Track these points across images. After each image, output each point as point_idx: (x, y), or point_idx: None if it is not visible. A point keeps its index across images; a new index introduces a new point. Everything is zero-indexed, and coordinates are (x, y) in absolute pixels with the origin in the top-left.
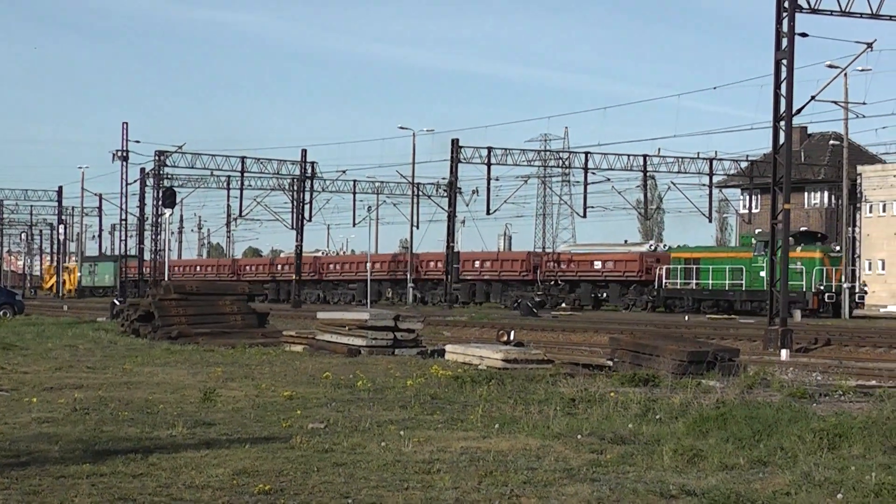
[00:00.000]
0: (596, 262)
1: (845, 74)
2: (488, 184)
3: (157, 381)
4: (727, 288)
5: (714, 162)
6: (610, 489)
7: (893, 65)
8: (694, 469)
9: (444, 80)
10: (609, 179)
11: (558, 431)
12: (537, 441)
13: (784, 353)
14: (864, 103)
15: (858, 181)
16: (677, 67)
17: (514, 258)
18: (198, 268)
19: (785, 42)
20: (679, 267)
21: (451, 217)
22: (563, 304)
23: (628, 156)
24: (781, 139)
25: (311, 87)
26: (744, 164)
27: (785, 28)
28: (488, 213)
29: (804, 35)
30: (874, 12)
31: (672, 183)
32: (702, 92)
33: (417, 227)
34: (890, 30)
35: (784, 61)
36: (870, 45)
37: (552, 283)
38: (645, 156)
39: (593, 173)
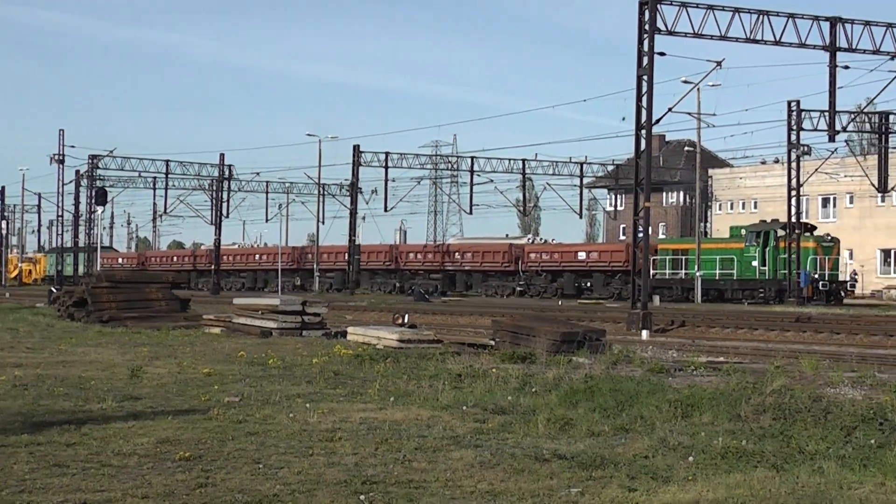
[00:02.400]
0: (580, 253)
1: (698, 89)
2: (385, 184)
3: (90, 359)
4: (717, 277)
5: (584, 165)
6: (491, 454)
7: (740, 80)
8: (565, 436)
9: (349, 92)
10: (492, 181)
11: (446, 403)
12: (428, 412)
13: (645, 334)
14: (714, 114)
15: (710, 183)
16: (552, 82)
17: (496, 249)
18: (165, 258)
19: (646, 60)
20: (667, 258)
21: (353, 214)
22: (454, 290)
23: (509, 160)
24: (643, 146)
25: (230, 97)
26: (610, 168)
27: (646, 48)
28: (386, 210)
29: (662, 54)
30: (723, 34)
31: (547, 184)
32: (574, 104)
33: (323, 223)
34: (736, 50)
35: (645, 77)
36: (719, 64)
37: (534, 273)
38: (524, 160)
39: (478, 175)
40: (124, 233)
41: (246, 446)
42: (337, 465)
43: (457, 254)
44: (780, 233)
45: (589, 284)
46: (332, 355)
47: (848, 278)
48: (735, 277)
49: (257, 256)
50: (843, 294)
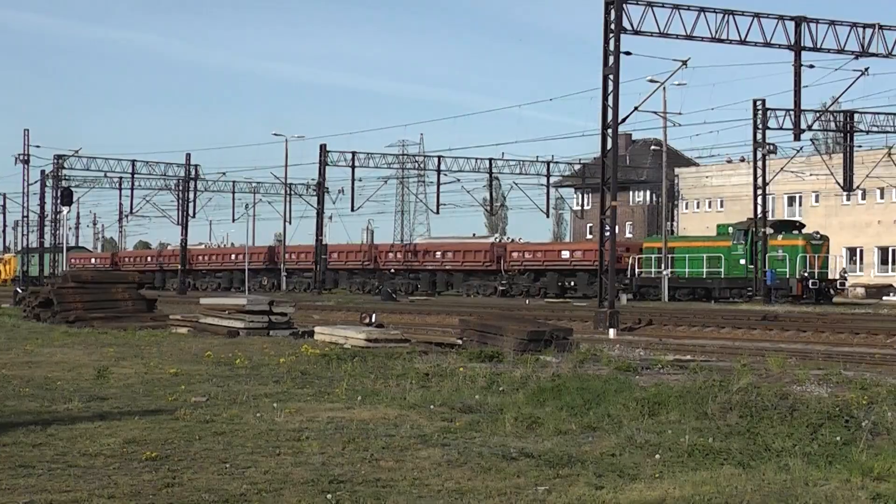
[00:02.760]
0: (564, 252)
1: (664, 88)
2: (352, 184)
3: (56, 360)
4: (705, 276)
5: (551, 165)
6: (458, 452)
7: (705, 79)
8: (532, 434)
9: (315, 91)
10: (459, 180)
11: (414, 402)
12: (395, 411)
13: (612, 332)
14: (680, 113)
15: (676, 182)
16: (519, 81)
17: (478, 248)
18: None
19: (612, 59)
20: (653, 256)
21: (320, 214)
22: (421, 290)
23: (476, 159)
24: (609, 145)
25: (197, 97)
26: (577, 167)
27: (612, 47)
28: (352, 209)
29: (628, 53)
30: (688, 34)
31: (514, 183)
32: (540, 103)
33: (290, 223)
34: (702, 49)
35: (611, 76)
36: (685, 63)
37: (517, 272)
38: (490, 159)
39: (445, 174)
40: (90, 233)
41: (213, 446)
42: (304, 465)
43: (437, 253)
44: (769, 231)
45: (573, 283)
46: (299, 355)
47: (838, 277)
48: (723, 276)
49: (233, 256)
50: (832, 293)
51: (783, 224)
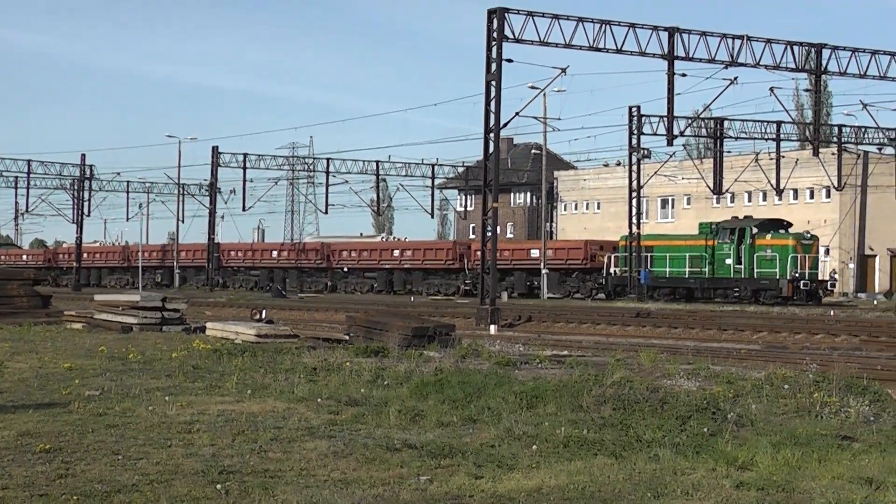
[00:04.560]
0: (533, 251)
1: (544, 94)
2: (244, 184)
3: None
4: (687, 275)
5: (435, 167)
6: (344, 444)
7: (584, 86)
8: (415, 426)
9: (207, 94)
10: (347, 182)
11: (302, 396)
12: (284, 404)
13: (493, 328)
14: (559, 119)
15: (555, 184)
16: (405, 86)
17: (440, 247)
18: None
19: (494, 66)
20: (629, 255)
21: (212, 213)
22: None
23: (363, 161)
24: (491, 148)
25: (92, 98)
26: (460, 169)
27: (494, 55)
28: (244, 209)
29: (510, 61)
30: (567, 42)
31: (400, 185)
32: (425, 107)
33: (183, 222)
34: (581, 57)
35: (493, 83)
36: (564, 70)
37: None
38: (377, 162)
39: (334, 176)
40: None
41: (106, 438)
42: (195, 456)
43: (395, 251)
44: (756, 230)
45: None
46: (191, 350)
47: (828, 277)
48: (707, 276)
49: (186, 253)
50: (821, 294)
51: (771, 223)
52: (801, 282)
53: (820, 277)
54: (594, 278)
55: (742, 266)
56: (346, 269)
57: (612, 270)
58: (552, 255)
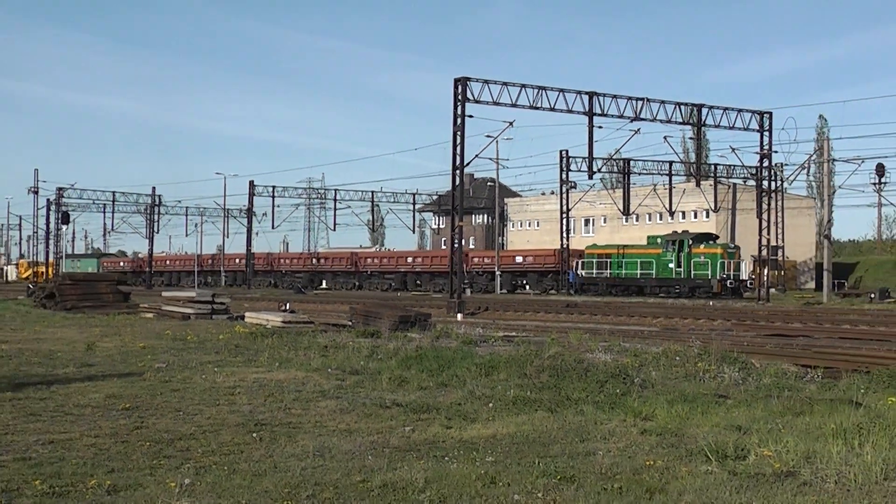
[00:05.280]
0: (517, 257)
1: (497, 141)
2: (273, 209)
3: (57, 337)
4: (639, 276)
5: (416, 196)
6: (348, 403)
7: (526, 135)
8: (402, 390)
9: (245, 142)
10: (350, 206)
11: (316, 367)
12: (303, 373)
13: (459, 316)
14: (508, 159)
15: (505, 208)
16: (393, 135)
17: (444, 255)
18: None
19: (459, 120)
20: (593, 260)
21: (249, 231)
22: (324, 284)
23: (362, 191)
24: (457, 181)
25: (161, 146)
26: (435, 197)
27: (459, 112)
28: (273, 228)
29: (471, 116)
30: (513, 103)
31: (390, 209)
32: (408, 151)
33: (228, 237)
34: (525, 113)
35: (458, 133)
36: (511, 123)
37: (476, 273)
38: (373, 191)
39: (339, 202)
40: (83, 245)
41: (170, 399)
42: (236, 412)
43: (409, 258)
44: (692, 241)
45: (525, 282)
46: (233, 333)
47: (748, 278)
48: (654, 276)
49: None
50: (742, 291)
51: (703, 236)
52: (728, 281)
53: (742, 278)
54: (565, 278)
55: (682, 269)
56: (369, 272)
57: (579, 272)
58: (532, 260)
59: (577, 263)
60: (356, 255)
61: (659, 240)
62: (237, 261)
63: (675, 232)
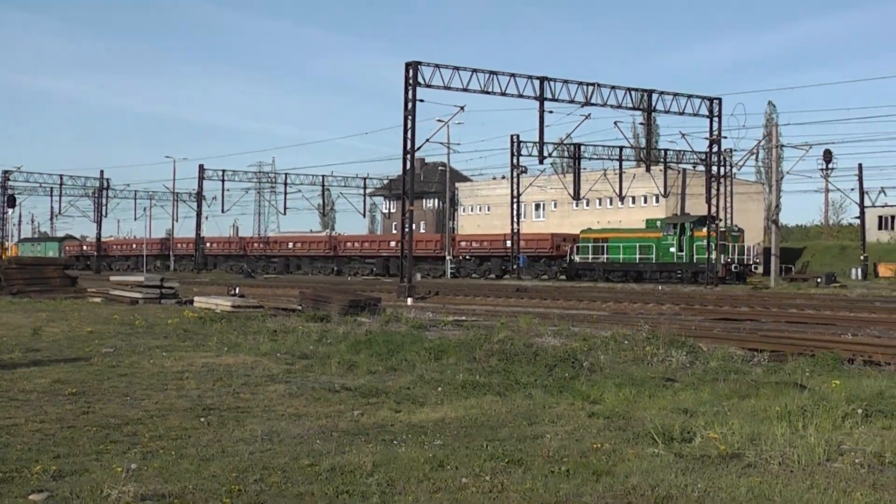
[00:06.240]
0: (508, 241)
1: (448, 126)
2: (223, 193)
3: (2, 322)
4: (638, 261)
5: (367, 180)
6: (297, 387)
7: (478, 119)
8: (351, 374)
9: (196, 126)
10: (300, 191)
11: (265, 351)
12: (252, 358)
13: (409, 300)
14: (459, 144)
15: (456, 193)
16: (344, 120)
17: (429, 239)
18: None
19: (410, 105)
20: (589, 245)
21: (199, 215)
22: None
23: (313, 175)
24: (408, 166)
25: (109, 128)
26: (385, 181)
27: (410, 96)
28: (223, 212)
29: (422, 101)
30: (464, 87)
31: (341, 193)
32: (359, 135)
33: (177, 221)
34: (476, 98)
35: (410, 117)
36: (462, 108)
37: (463, 257)
38: (323, 176)
39: (290, 186)
40: (29, 229)
41: (118, 384)
42: (185, 397)
43: (392, 242)
44: (694, 224)
45: (515, 267)
46: (182, 317)
47: (752, 262)
48: (654, 262)
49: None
50: (746, 274)
51: (705, 218)
52: (733, 265)
53: (746, 262)
54: (558, 264)
55: (683, 253)
56: (348, 257)
57: (573, 258)
58: (524, 245)
59: (571, 248)
60: (335, 238)
61: (659, 223)
62: (212, 245)
63: (675, 215)
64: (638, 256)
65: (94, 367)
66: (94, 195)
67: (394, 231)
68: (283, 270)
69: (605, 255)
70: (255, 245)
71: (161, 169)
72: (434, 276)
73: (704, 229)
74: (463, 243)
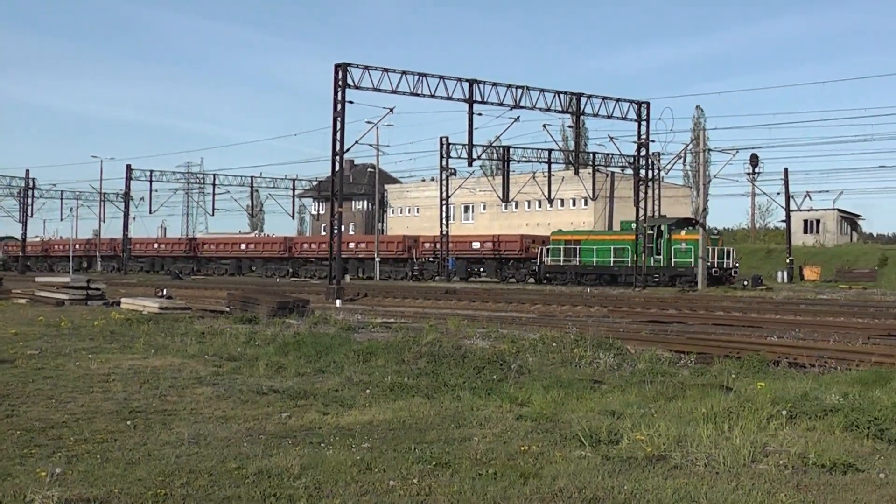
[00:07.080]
0: (474, 243)
1: (377, 127)
2: (150, 194)
3: None
4: (612, 264)
5: (296, 181)
6: (225, 389)
7: (407, 121)
8: (279, 376)
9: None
10: (229, 192)
11: (193, 353)
12: (179, 360)
13: (338, 302)
14: (388, 145)
15: (385, 195)
16: (273, 120)
17: (391, 240)
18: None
19: (339, 106)
20: (560, 247)
21: (126, 215)
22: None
23: (241, 176)
24: (337, 167)
25: (35, 128)
26: (314, 183)
27: (339, 98)
28: (150, 212)
29: (351, 102)
30: (394, 89)
31: (269, 194)
32: (288, 136)
33: (104, 222)
34: (405, 100)
35: (339, 119)
36: (391, 110)
37: (427, 259)
38: (252, 177)
39: (219, 187)
40: None
41: (43, 387)
42: (111, 400)
43: (352, 243)
44: (672, 227)
45: (482, 269)
46: (109, 319)
47: (732, 266)
48: (629, 265)
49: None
50: (726, 279)
51: (684, 221)
52: (712, 269)
53: (726, 266)
54: (528, 266)
55: (661, 256)
56: (304, 258)
57: (544, 260)
58: (491, 246)
59: (542, 251)
60: (290, 240)
61: (634, 225)
62: (157, 245)
63: (653, 217)
64: (612, 259)
65: (19, 370)
66: (19, 195)
67: (322, 232)
68: (236, 272)
69: (578, 258)
70: (207, 246)
71: (88, 169)
72: (395, 277)
73: (682, 232)
74: (427, 244)
